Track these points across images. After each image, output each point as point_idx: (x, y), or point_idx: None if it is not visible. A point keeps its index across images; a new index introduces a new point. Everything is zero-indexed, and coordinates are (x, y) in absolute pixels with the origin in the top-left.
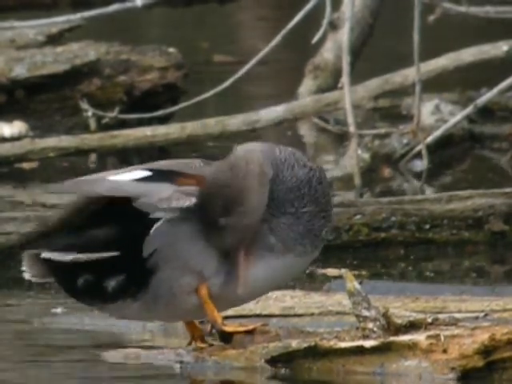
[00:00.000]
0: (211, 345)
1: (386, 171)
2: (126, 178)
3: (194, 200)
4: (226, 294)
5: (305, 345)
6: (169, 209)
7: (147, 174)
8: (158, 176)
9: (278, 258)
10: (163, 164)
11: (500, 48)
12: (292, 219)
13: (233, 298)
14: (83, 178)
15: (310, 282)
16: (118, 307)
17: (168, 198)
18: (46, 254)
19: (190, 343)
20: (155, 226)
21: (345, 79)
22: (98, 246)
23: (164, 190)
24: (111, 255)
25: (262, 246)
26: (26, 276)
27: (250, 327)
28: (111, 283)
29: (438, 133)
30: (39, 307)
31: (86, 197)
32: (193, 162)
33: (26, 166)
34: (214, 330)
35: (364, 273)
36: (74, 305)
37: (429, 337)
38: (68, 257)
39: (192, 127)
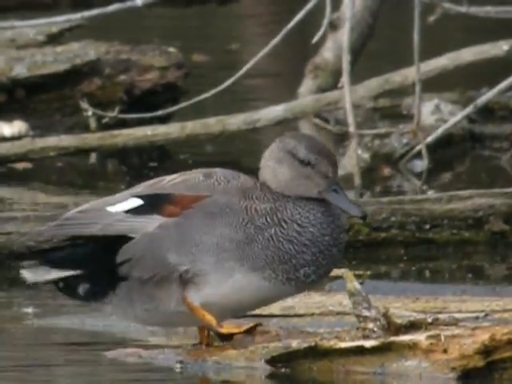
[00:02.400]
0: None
1: (386, 171)
2: (120, 209)
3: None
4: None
5: (305, 345)
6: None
7: (139, 202)
8: (148, 205)
9: (245, 276)
10: (159, 186)
11: (500, 47)
12: (271, 241)
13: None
14: (80, 210)
15: None
16: (96, 307)
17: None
18: (24, 273)
19: (199, 343)
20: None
21: (345, 79)
22: (73, 260)
23: (149, 225)
24: (76, 273)
25: (234, 253)
26: (27, 279)
27: (246, 328)
28: (81, 289)
29: (438, 133)
30: (9, 306)
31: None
32: (192, 178)
33: (19, 166)
34: (211, 333)
35: (369, 272)
36: (46, 305)
37: (429, 337)
38: (40, 278)
39: (192, 127)
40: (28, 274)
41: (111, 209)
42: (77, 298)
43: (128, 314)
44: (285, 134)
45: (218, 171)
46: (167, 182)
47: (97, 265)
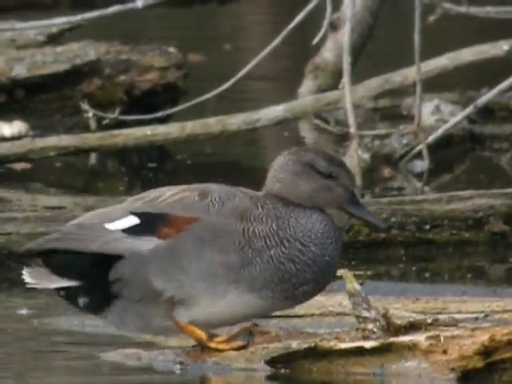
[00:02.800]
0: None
1: (386, 171)
2: (118, 227)
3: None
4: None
5: (305, 346)
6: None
7: (135, 221)
8: (144, 225)
9: (240, 297)
10: (156, 204)
11: (500, 47)
12: (271, 263)
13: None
14: (79, 225)
15: None
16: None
17: (146, 255)
18: (25, 276)
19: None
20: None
21: (345, 79)
22: (73, 271)
23: (144, 247)
24: (75, 285)
25: (228, 277)
26: (28, 282)
27: (236, 344)
28: (80, 301)
29: (438, 133)
30: (9, 307)
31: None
32: (188, 197)
33: (18, 166)
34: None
35: (369, 273)
36: (46, 306)
37: (429, 337)
38: (41, 285)
39: (192, 127)
40: (29, 278)
41: (110, 226)
42: (76, 307)
43: (123, 328)
44: (292, 148)
45: (215, 190)
46: (165, 199)
47: (94, 279)
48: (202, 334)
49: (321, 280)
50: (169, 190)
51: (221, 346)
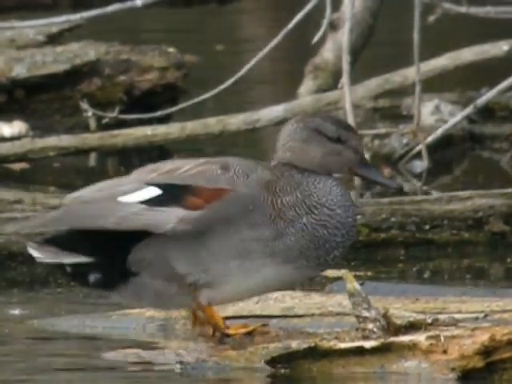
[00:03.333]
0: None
1: (386, 171)
2: (134, 200)
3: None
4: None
5: (305, 345)
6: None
7: (157, 192)
8: (168, 195)
9: (277, 268)
10: (176, 176)
11: (500, 48)
12: (305, 230)
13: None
14: (85, 200)
15: (310, 282)
16: (103, 295)
17: (173, 228)
18: (31, 250)
19: (214, 334)
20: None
21: (345, 79)
22: (86, 248)
23: (171, 218)
24: (88, 261)
25: (265, 247)
26: (36, 257)
27: (251, 328)
28: (91, 277)
29: (437, 133)
30: (8, 307)
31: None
32: (210, 169)
33: (16, 166)
34: (216, 332)
35: (369, 273)
36: (46, 306)
37: (429, 337)
38: (49, 259)
39: (192, 127)
40: (36, 253)
41: (124, 199)
42: (84, 284)
43: (136, 305)
44: (299, 116)
45: (235, 162)
46: (184, 172)
47: (110, 256)
48: (221, 321)
49: (347, 243)
50: (185, 162)
51: (240, 330)
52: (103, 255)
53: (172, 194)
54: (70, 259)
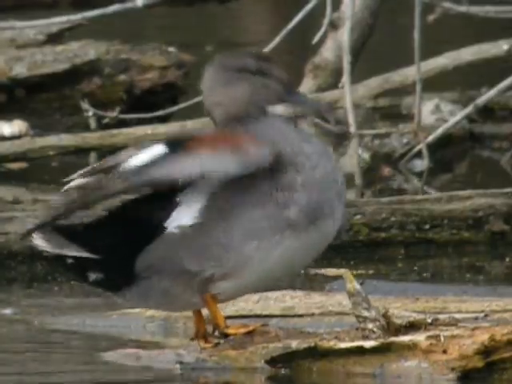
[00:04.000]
0: (216, 344)
1: (386, 171)
2: (140, 161)
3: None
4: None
5: (305, 345)
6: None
7: (164, 150)
8: (176, 146)
9: (298, 237)
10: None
11: (500, 47)
12: (321, 181)
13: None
14: (86, 183)
15: (310, 282)
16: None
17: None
18: (36, 240)
19: (192, 339)
20: (159, 237)
21: (345, 79)
22: (94, 243)
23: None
24: (92, 257)
25: (278, 221)
26: (40, 246)
27: (252, 328)
28: (92, 276)
29: (438, 132)
30: (8, 306)
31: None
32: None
33: (14, 166)
34: (216, 331)
35: (370, 272)
36: (46, 305)
37: (429, 337)
38: (53, 249)
39: (192, 126)
40: (40, 241)
41: (129, 163)
42: (84, 281)
43: (139, 305)
44: (215, 59)
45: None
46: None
47: (117, 255)
48: (222, 320)
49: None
50: None
51: (240, 330)
52: (110, 254)
53: (177, 145)
54: (74, 253)
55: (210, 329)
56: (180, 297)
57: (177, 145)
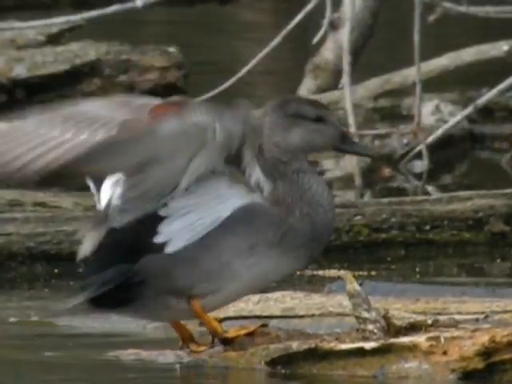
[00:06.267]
0: (212, 346)
1: (386, 171)
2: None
3: None
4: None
5: (305, 346)
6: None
7: None
8: None
9: (278, 258)
10: None
11: (500, 48)
12: (304, 220)
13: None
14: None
15: (310, 283)
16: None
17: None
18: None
19: (181, 347)
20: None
21: (345, 79)
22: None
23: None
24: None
25: (268, 243)
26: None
27: (251, 329)
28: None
29: (438, 133)
30: (9, 307)
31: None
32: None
33: None
34: (215, 340)
35: (371, 273)
36: (46, 306)
37: (429, 338)
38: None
39: None
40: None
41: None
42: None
43: (137, 319)
44: (274, 103)
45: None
46: None
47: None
48: (218, 327)
49: (325, 245)
50: None
51: (239, 332)
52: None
53: None
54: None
55: (209, 339)
56: (175, 311)
57: None
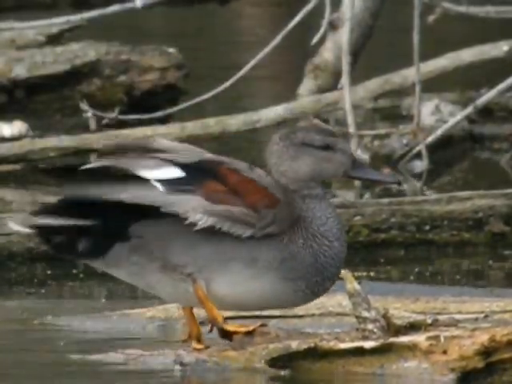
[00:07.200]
0: (207, 347)
1: (386, 172)
2: (155, 177)
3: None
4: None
5: (305, 346)
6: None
7: (179, 174)
8: (191, 179)
9: (276, 283)
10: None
11: (500, 48)
12: (309, 254)
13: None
14: (106, 165)
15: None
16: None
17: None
18: (40, 219)
19: (185, 340)
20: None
21: (345, 80)
22: (80, 215)
23: (186, 203)
24: (84, 223)
25: (270, 263)
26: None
27: (251, 328)
28: (80, 245)
29: (437, 133)
30: (7, 308)
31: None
32: (236, 161)
33: (6, 168)
34: (214, 329)
35: (372, 274)
36: (46, 306)
37: (429, 338)
38: (43, 221)
39: (192, 127)
40: (44, 219)
41: (144, 173)
42: (71, 253)
43: (112, 273)
44: (281, 132)
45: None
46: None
47: (108, 223)
48: (220, 316)
49: (337, 276)
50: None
51: (239, 329)
52: (101, 221)
53: (193, 178)
54: (67, 222)
55: (208, 327)
56: (151, 277)
57: (194, 176)
